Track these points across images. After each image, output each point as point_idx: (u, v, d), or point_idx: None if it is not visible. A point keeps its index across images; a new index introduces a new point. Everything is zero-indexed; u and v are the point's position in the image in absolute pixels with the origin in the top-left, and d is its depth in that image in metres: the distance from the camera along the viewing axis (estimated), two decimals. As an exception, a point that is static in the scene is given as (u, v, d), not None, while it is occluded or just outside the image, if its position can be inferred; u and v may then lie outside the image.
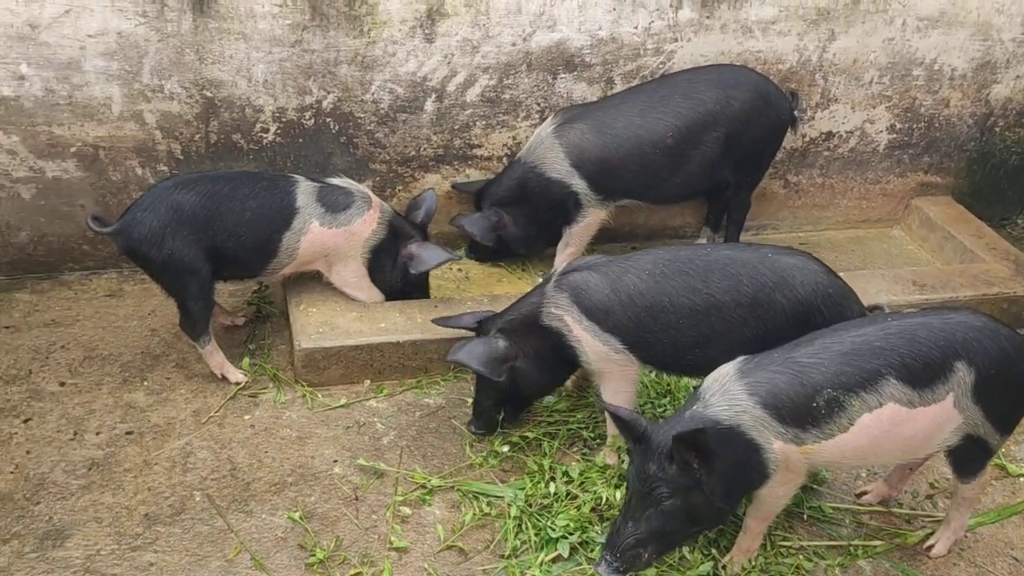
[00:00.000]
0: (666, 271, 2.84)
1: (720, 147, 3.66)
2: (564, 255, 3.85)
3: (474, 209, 3.89)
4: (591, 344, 2.90)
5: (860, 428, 2.45)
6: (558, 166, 3.63)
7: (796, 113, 3.81)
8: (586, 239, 3.86)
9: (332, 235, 3.32)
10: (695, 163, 3.67)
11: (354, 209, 3.34)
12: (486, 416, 3.14)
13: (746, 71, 3.77)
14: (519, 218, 3.78)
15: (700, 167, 3.69)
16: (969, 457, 2.66)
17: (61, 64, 3.37)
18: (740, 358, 2.58)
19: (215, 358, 3.33)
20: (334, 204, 3.31)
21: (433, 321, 3.20)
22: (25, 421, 3.16)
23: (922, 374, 2.44)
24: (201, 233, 3.13)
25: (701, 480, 2.40)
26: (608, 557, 2.49)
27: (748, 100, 3.66)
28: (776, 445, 2.47)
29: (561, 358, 3.01)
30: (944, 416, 2.51)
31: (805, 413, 2.44)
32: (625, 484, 2.68)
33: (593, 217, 3.77)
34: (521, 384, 3.05)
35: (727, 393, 2.47)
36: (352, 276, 3.46)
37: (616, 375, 2.96)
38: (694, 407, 2.49)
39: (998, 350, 2.50)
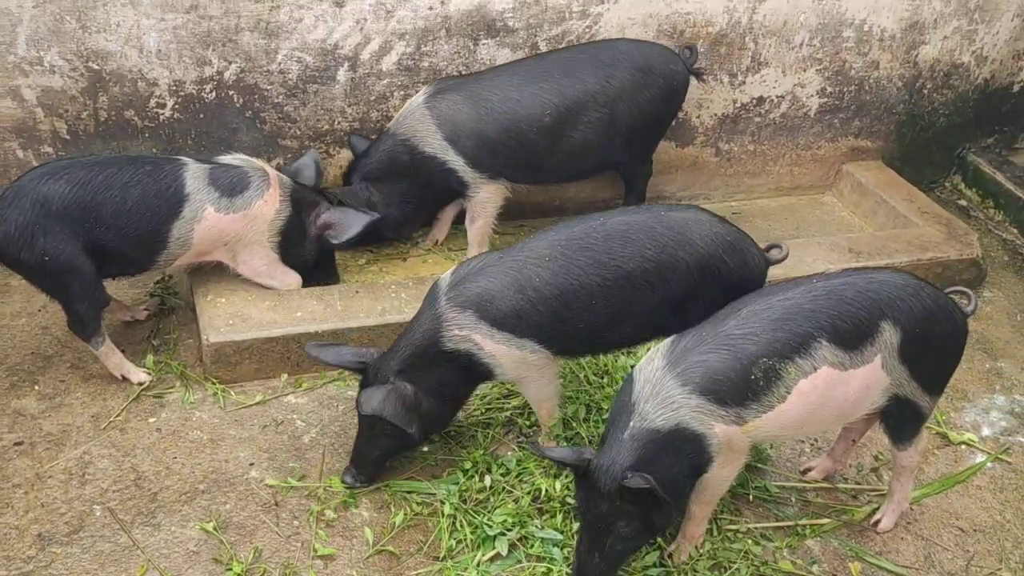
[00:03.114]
0: (566, 251, 2.61)
1: (604, 127, 3.46)
2: (474, 229, 3.59)
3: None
4: (507, 355, 2.65)
5: (797, 396, 2.36)
6: (431, 140, 3.35)
7: (693, 68, 3.62)
8: (492, 211, 3.56)
9: (230, 221, 3.02)
10: (576, 144, 3.45)
11: (252, 190, 3.03)
12: (372, 466, 2.79)
13: (626, 44, 3.54)
14: (391, 196, 3.47)
15: (582, 148, 3.47)
16: (901, 421, 2.60)
17: (-79, 35, 3.01)
18: (667, 341, 2.44)
19: (112, 359, 3.05)
20: (229, 186, 3.01)
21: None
22: None
23: (851, 335, 2.38)
24: (76, 227, 2.80)
25: (656, 507, 2.31)
26: None
27: (628, 78, 3.45)
28: (718, 429, 2.34)
29: (470, 379, 2.75)
30: (873, 377, 2.44)
31: (744, 389, 2.33)
32: (576, 512, 2.56)
33: (488, 192, 3.49)
34: (426, 427, 2.74)
35: (659, 395, 2.33)
36: (262, 263, 3.18)
37: (535, 375, 2.75)
38: (631, 424, 2.33)
39: (921, 308, 2.44)
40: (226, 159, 3.10)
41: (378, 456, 2.78)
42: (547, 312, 2.60)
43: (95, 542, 2.59)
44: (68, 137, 3.34)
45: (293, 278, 3.27)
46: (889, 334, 2.41)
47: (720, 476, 2.47)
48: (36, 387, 3.06)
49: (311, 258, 3.30)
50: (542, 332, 2.63)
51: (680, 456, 2.34)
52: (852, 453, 2.99)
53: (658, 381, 2.33)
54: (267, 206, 3.07)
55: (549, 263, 2.60)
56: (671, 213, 2.71)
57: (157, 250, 2.98)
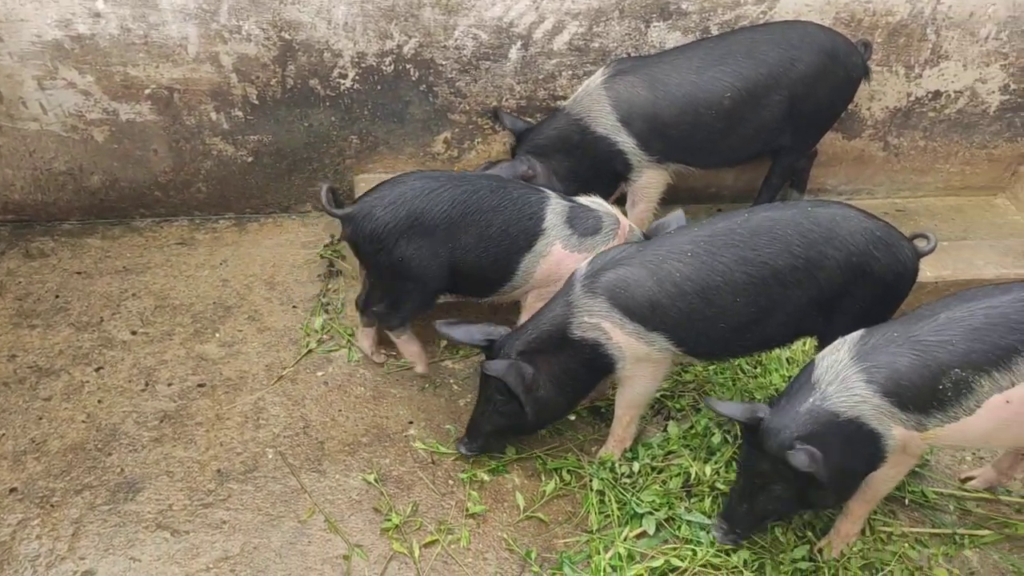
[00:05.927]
0: (710, 247, 2.55)
1: (782, 110, 3.38)
2: (634, 214, 3.58)
3: (509, 157, 3.54)
4: (634, 348, 2.61)
5: (988, 411, 2.26)
6: (604, 120, 3.33)
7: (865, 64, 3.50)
8: (654, 197, 3.54)
9: (573, 260, 2.89)
10: (752, 127, 3.38)
11: (600, 235, 2.91)
12: (484, 438, 2.84)
13: (813, 27, 3.44)
14: (557, 171, 3.45)
15: (757, 131, 3.40)
16: None
17: (138, 1, 3.24)
18: (855, 335, 2.39)
19: (408, 347, 3.12)
20: (583, 227, 2.91)
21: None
22: (97, 369, 3.10)
23: None
24: (440, 247, 2.83)
25: (815, 484, 2.29)
26: (724, 526, 2.55)
27: (814, 61, 3.34)
28: (896, 431, 2.30)
29: (590, 371, 2.71)
30: None
31: (929, 397, 2.26)
32: (736, 463, 2.59)
33: (651, 177, 3.47)
34: (539, 414, 2.74)
35: (844, 382, 2.30)
36: None
37: (647, 375, 2.71)
38: (811, 399, 2.31)
39: None
40: (584, 200, 2.99)
41: (490, 431, 2.81)
42: (685, 308, 2.55)
43: (267, 482, 2.77)
44: (257, 102, 3.54)
45: None
46: None
47: (887, 476, 2.43)
48: (217, 334, 3.28)
49: None
50: (677, 329, 2.58)
51: (852, 448, 2.30)
52: (1019, 466, 2.87)
53: (843, 370, 2.30)
54: None
55: (691, 259, 2.55)
56: (818, 209, 2.63)
57: (503, 280, 2.93)
